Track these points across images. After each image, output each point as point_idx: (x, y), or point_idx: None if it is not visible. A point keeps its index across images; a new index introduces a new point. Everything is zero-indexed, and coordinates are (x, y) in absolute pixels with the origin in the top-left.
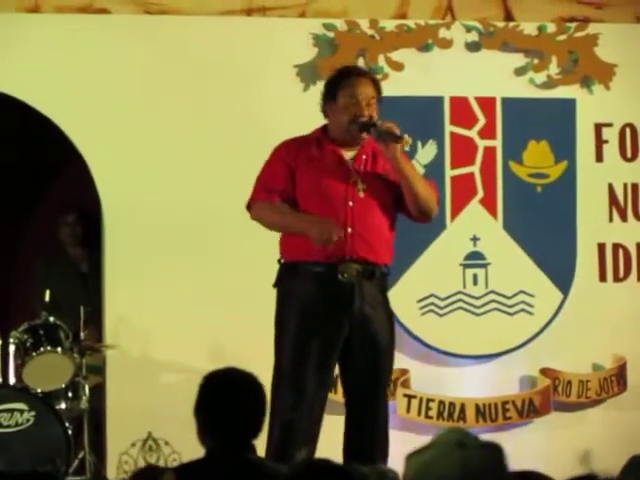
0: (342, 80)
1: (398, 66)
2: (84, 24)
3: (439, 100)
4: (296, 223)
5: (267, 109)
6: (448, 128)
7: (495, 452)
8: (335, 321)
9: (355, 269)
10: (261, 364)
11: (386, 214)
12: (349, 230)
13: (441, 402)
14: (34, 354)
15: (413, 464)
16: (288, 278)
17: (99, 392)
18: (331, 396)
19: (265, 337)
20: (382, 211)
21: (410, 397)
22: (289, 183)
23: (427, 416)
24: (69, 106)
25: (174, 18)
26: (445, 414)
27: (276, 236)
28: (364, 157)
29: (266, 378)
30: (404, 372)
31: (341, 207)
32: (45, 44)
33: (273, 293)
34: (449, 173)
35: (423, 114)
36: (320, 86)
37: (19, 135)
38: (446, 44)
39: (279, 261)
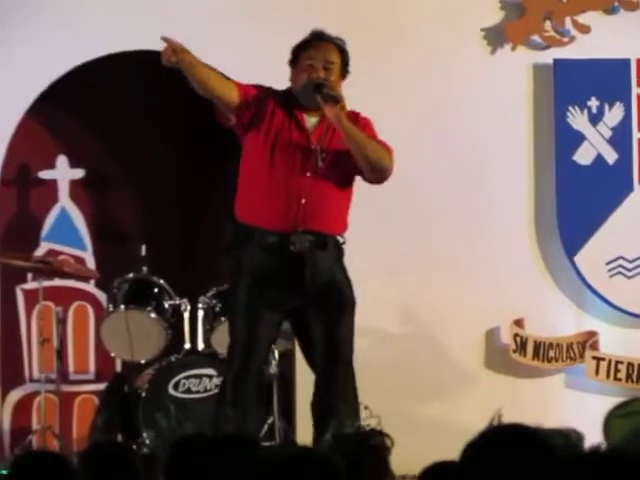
0: (304, 44)
1: (585, 29)
2: None
3: (626, 63)
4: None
5: (453, 72)
6: (635, 90)
7: None
8: (285, 290)
9: (307, 240)
10: (452, 327)
11: (344, 184)
12: (303, 201)
13: (630, 364)
14: (223, 319)
15: (619, 427)
16: (243, 243)
17: (288, 357)
18: (517, 358)
19: (456, 303)
20: (340, 181)
21: (599, 359)
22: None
23: (616, 378)
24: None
25: None
26: (634, 376)
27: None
28: (326, 125)
29: (457, 342)
30: (592, 334)
31: (299, 177)
32: (241, 14)
33: (463, 259)
34: (636, 135)
35: (610, 77)
36: (507, 49)
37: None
38: (632, 6)
39: (232, 220)
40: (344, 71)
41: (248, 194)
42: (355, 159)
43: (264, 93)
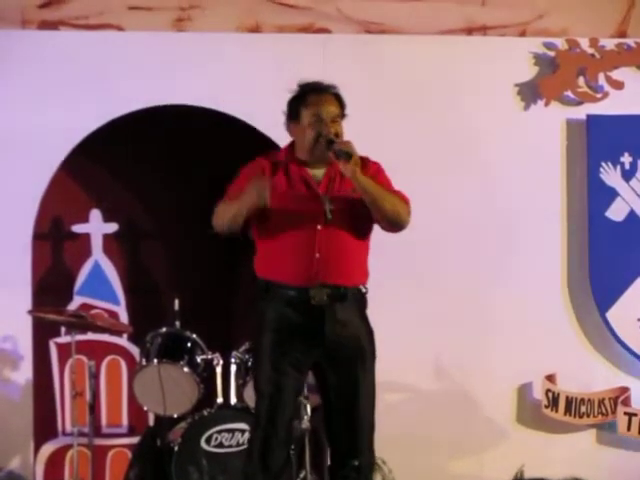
0: (305, 98)
1: (618, 85)
2: (305, 44)
3: None
4: (240, 200)
5: (487, 127)
6: None
7: None
8: (307, 343)
9: (325, 293)
10: (484, 382)
11: (358, 234)
12: (317, 255)
13: None
14: None
15: None
16: (262, 298)
17: (321, 412)
18: (549, 413)
19: (488, 358)
20: (353, 231)
21: (631, 415)
22: None
23: None
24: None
25: (394, 38)
26: None
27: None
28: (332, 176)
29: (489, 398)
30: (624, 390)
31: (310, 231)
32: (266, 63)
33: (496, 314)
34: None
35: None
36: (541, 105)
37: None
38: None
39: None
40: (343, 115)
41: (264, 251)
42: (371, 211)
43: (262, 162)
